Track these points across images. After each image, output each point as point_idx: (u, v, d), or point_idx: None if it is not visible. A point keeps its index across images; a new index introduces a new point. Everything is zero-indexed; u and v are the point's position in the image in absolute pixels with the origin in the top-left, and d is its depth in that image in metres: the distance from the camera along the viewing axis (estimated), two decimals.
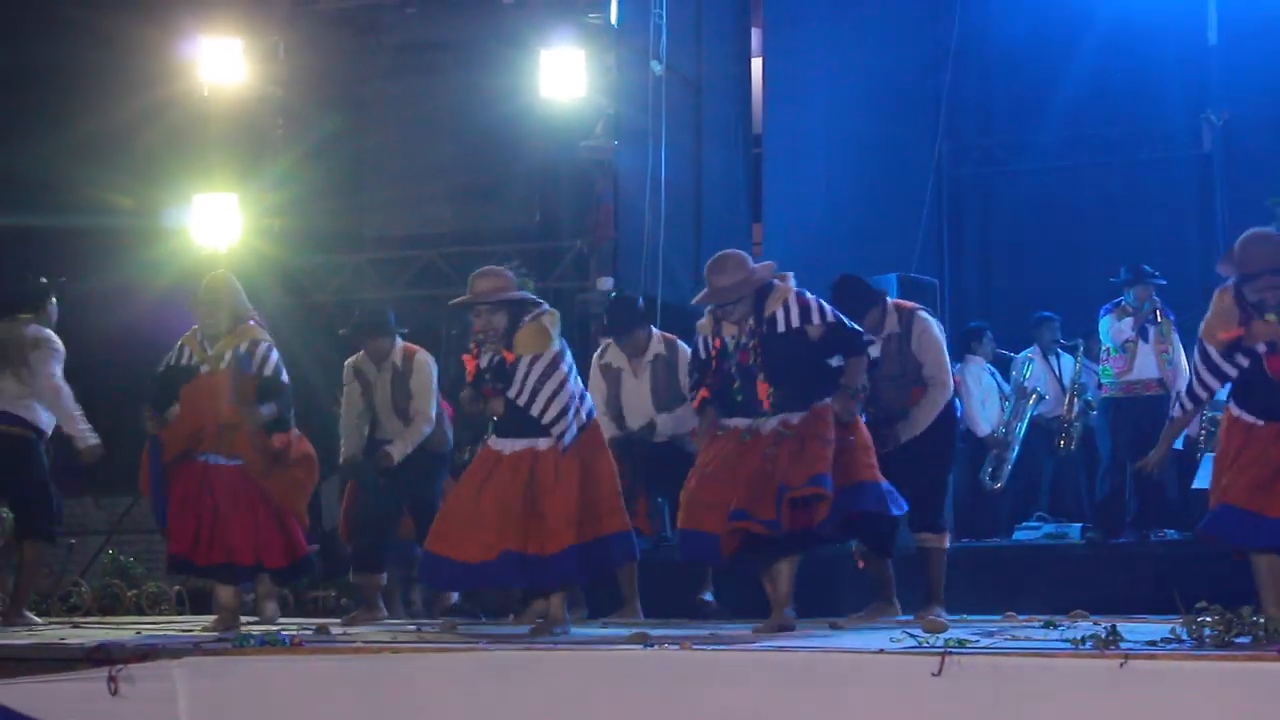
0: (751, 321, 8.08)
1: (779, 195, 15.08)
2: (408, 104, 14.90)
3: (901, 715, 6.18)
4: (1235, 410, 7.56)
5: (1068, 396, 13.11)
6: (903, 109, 15.40)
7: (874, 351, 8.52)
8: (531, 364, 8.28)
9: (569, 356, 8.46)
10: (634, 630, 7.66)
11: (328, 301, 14.44)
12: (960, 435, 13.41)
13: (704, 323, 8.32)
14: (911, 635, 6.67)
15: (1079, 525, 12.36)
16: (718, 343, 8.17)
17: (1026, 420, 13.17)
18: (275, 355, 9.37)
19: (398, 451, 10.13)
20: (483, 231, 14.56)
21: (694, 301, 8.35)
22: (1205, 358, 7.58)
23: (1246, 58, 14.27)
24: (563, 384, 8.28)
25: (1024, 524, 12.67)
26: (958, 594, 9.59)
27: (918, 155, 15.27)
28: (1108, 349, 12.22)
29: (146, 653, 7.24)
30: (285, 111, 15.19)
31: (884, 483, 8.18)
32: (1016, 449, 13.18)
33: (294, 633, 7.94)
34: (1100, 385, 12.58)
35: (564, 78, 13.86)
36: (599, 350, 10.49)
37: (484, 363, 8.39)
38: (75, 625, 9.54)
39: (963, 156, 15.93)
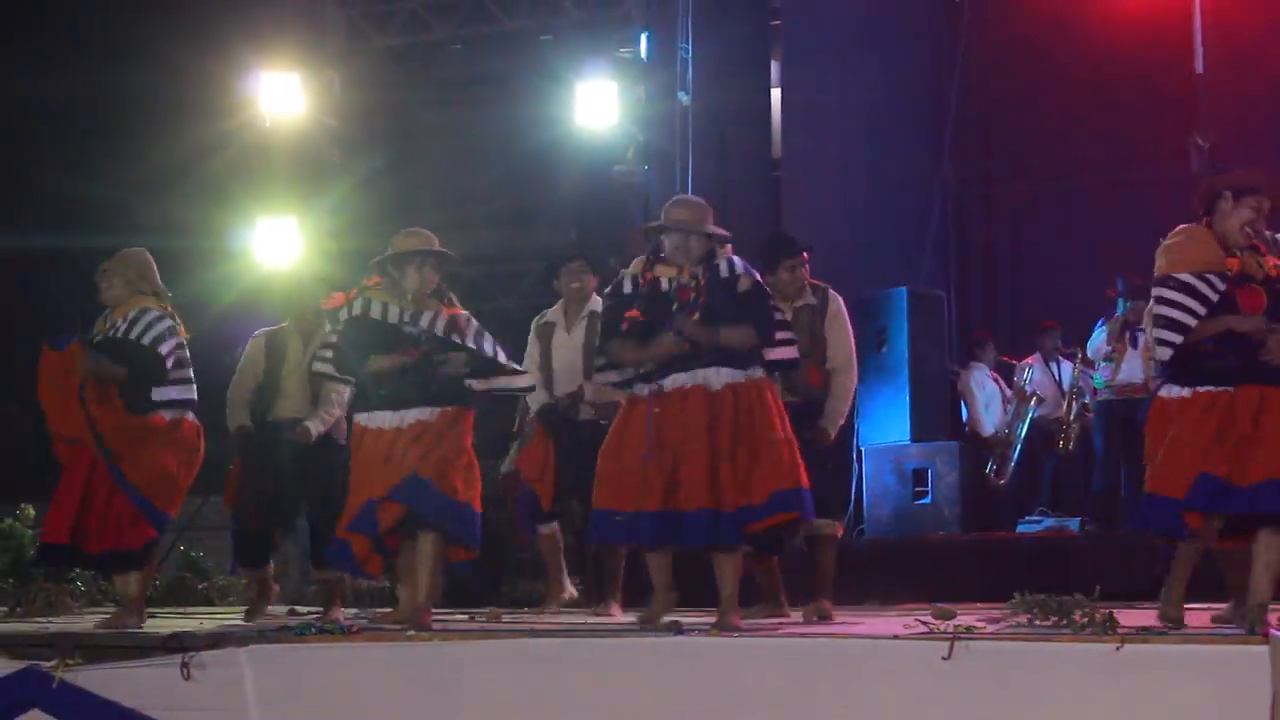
0: (701, 267, 7.41)
1: (797, 215, 15.04)
2: (454, 133, 14.99)
3: (914, 696, 6.19)
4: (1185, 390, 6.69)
5: (1066, 400, 13.09)
6: (911, 134, 15.40)
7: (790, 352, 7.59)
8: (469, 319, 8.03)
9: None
10: (666, 619, 7.64)
11: None
12: (965, 436, 13.49)
13: (636, 264, 7.56)
14: (922, 622, 6.67)
15: (1078, 519, 12.33)
16: (650, 275, 7.43)
17: (1027, 422, 13.16)
18: (161, 326, 8.48)
19: (315, 428, 9.19)
20: (523, 251, 14.61)
21: (651, 226, 7.61)
22: (1180, 286, 6.63)
23: (1230, 85, 14.25)
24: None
25: (1026, 518, 12.63)
26: (966, 583, 9.56)
27: (925, 177, 15.25)
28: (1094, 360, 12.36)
29: (216, 641, 7.26)
30: (341, 141, 15.26)
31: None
32: (1019, 448, 13.16)
33: (350, 621, 7.96)
34: (1094, 390, 12.61)
35: (597, 108, 13.91)
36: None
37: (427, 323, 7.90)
38: (151, 615, 9.55)
39: (967, 177, 15.92)
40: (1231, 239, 6.66)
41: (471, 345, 7.88)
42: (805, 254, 8.58)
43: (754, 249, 8.39)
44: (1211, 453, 6.61)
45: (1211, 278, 6.64)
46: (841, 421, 8.44)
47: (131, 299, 8.59)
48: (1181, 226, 6.85)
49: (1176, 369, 6.77)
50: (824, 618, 8.03)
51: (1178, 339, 6.71)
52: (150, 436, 8.46)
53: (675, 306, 7.33)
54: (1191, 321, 6.69)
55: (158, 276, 8.76)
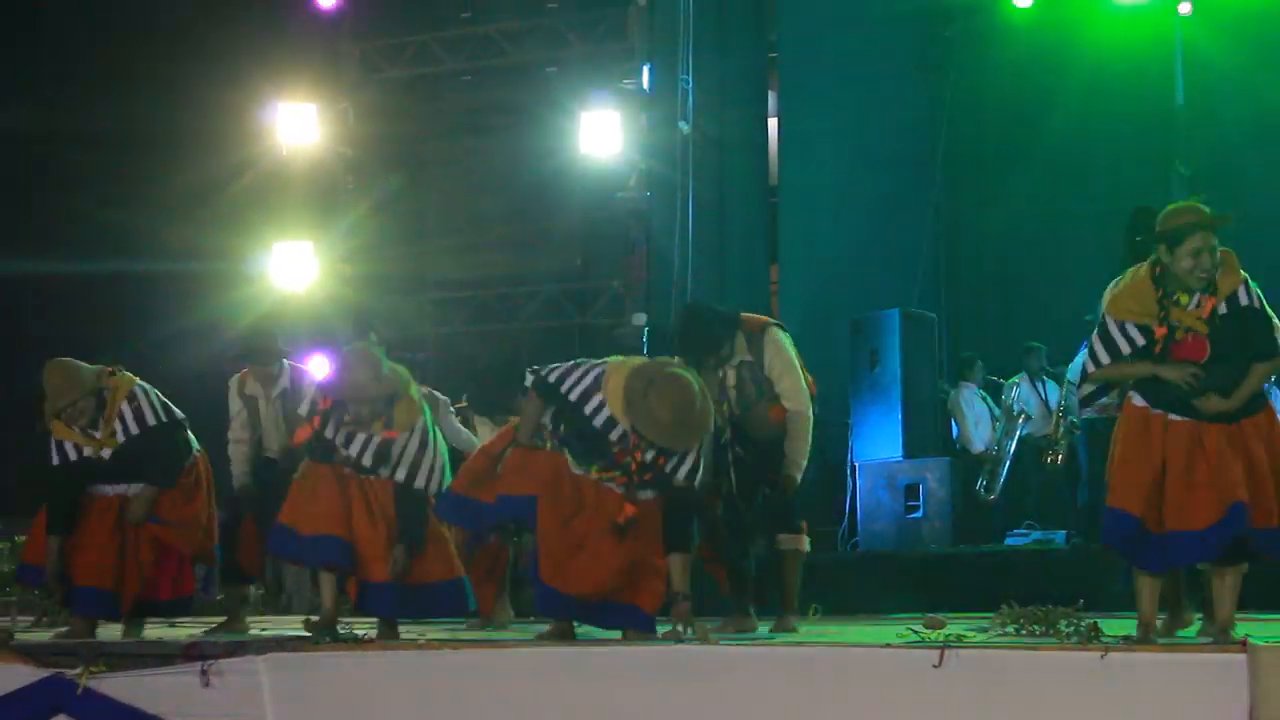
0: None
1: (793, 239, 15.10)
2: (463, 161, 15.04)
3: (907, 703, 6.19)
4: (1138, 400, 6.63)
5: (1053, 418, 13.10)
6: (903, 162, 15.44)
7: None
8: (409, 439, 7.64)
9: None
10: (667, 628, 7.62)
11: (393, 338, 14.50)
12: (956, 453, 13.49)
13: (618, 407, 7.08)
14: (914, 631, 6.68)
15: (1064, 532, 12.34)
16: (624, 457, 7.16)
17: (1016, 439, 13.17)
18: (153, 396, 8.43)
19: None
20: (530, 274, 14.65)
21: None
22: (1103, 330, 6.59)
23: (1209, 116, 14.29)
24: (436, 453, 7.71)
25: (1015, 531, 12.66)
26: (956, 594, 9.55)
27: (917, 203, 15.30)
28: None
29: (234, 649, 7.26)
30: (355, 169, 15.31)
31: None
32: (1007, 464, 13.18)
33: (364, 632, 7.95)
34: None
35: (602, 137, 13.95)
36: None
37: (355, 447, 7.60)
38: (172, 625, 9.55)
39: (957, 203, 15.95)
40: (1186, 281, 6.54)
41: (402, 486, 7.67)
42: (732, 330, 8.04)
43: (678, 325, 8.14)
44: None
45: (1132, 331, 6.55)
46: (805, 461, 8.06)
47: (102, 394, 8.31)
48: (1131, 270, 6.71)
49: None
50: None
51: (1085, 379, 6.77)
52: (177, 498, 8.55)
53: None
54: (1092, 368, 6.70)
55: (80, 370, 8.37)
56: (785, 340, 8.10)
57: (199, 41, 15.27)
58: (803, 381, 8.09)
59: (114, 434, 8.30)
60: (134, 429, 8.34)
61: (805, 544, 8.22)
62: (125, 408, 8.33)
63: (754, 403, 8.00)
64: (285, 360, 9.21)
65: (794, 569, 8.15)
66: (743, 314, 8.21)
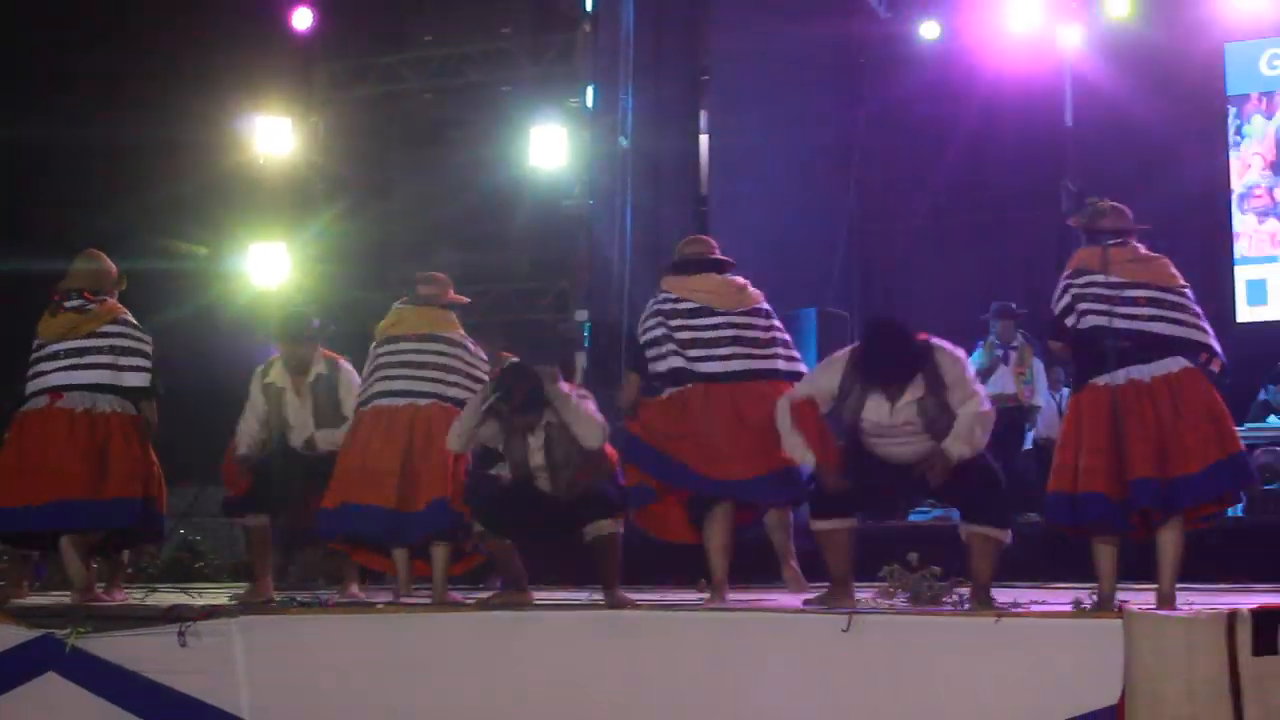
0: None
1: (721, 243, 15.06)
2: (424, 172, 14.95)
3: (816, 664, 6.20)
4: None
5: None
6: (821, 174, 15.47)
7: None
8: None
9: None
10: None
11: (359, 330, 14.44)
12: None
13: None
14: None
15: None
16: None
17: None
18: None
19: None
20: (484, 273, 14.55)
21: None
22: None
23: (1096, 136, 14.37)
24: None
25: (917, 509, 12.68)
26: (864, 564, 9.54)
27: (833, 212, 15.32)
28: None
29: (210, 612, 7.22)
30: (325, 177, 15.21)
31: None
32: None
33: (329, 595, 7.90)
34: None
35: (550, 151, 13.90)
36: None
37: None
38: (152, 590, 9.46)
39: (870, 214, 15.99)
40: None
41: None
42: None
43: None
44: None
45: None
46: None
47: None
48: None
49: None
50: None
51: None
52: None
53: None
54: None
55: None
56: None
57: (184, 61, 15.17)
58: None
59: (107, 316, 8.09)
60: (126, 331, 8.14)
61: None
62: (126, 315, 8.18)
63: None
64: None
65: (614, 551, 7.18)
66: None
